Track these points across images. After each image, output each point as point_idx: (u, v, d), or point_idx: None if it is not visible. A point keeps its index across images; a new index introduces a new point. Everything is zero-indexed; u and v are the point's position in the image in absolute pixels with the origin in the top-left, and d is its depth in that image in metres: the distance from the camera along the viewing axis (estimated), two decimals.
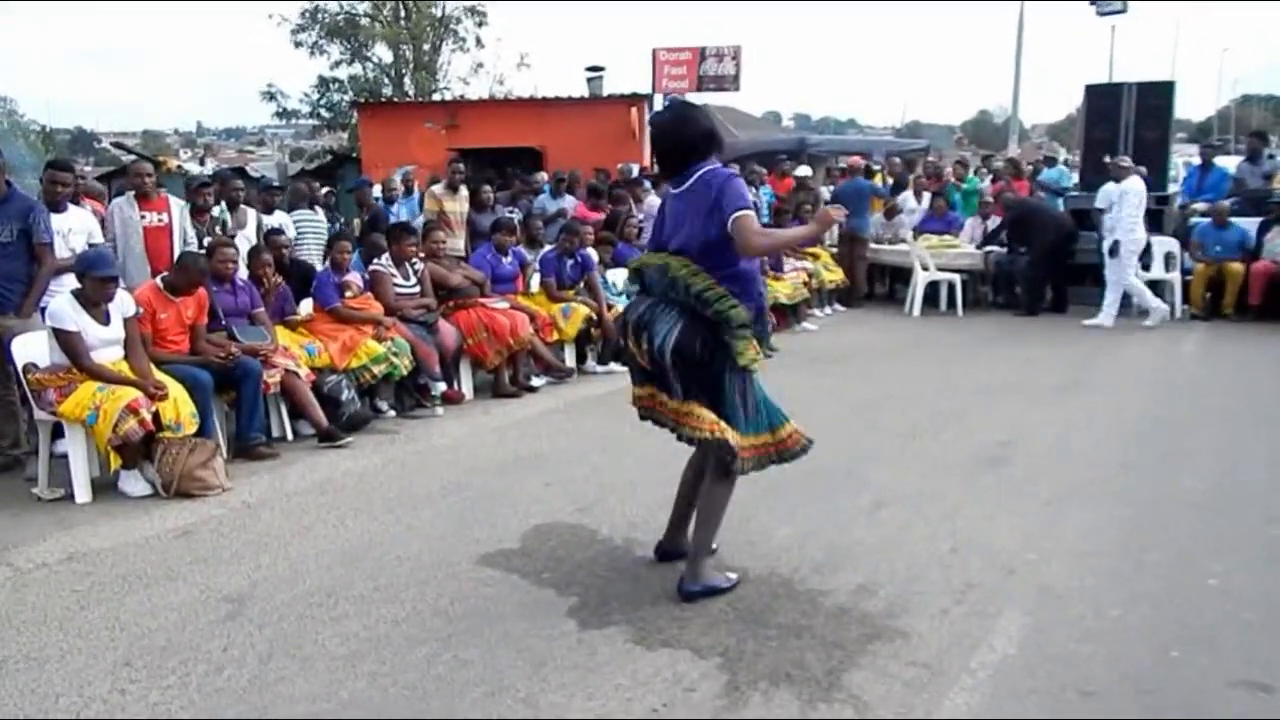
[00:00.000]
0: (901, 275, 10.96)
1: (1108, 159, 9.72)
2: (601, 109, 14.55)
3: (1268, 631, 3.01)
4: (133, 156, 12.89)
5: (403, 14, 22.46)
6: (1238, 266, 9.12)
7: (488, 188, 8.75)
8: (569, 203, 9.69)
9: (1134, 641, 2.95)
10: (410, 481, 4.71)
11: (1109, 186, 9.08)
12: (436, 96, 20.92)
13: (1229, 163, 11.86)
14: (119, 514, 4.29)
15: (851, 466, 4.72)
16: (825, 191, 12.12)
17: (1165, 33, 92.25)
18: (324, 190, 9.39)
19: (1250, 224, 9.38)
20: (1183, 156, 15.16)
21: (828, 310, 10.14)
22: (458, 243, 8.15)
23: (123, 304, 4.66)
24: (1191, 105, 76.96)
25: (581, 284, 7.35)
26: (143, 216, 5.76)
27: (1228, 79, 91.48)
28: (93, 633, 3.11)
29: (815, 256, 10.06)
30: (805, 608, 3.19)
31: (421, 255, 6.49)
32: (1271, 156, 11.55)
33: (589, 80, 16.14)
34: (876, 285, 11.37)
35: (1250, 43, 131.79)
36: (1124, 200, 8.87)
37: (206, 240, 5.97)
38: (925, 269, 10.08)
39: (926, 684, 2.72)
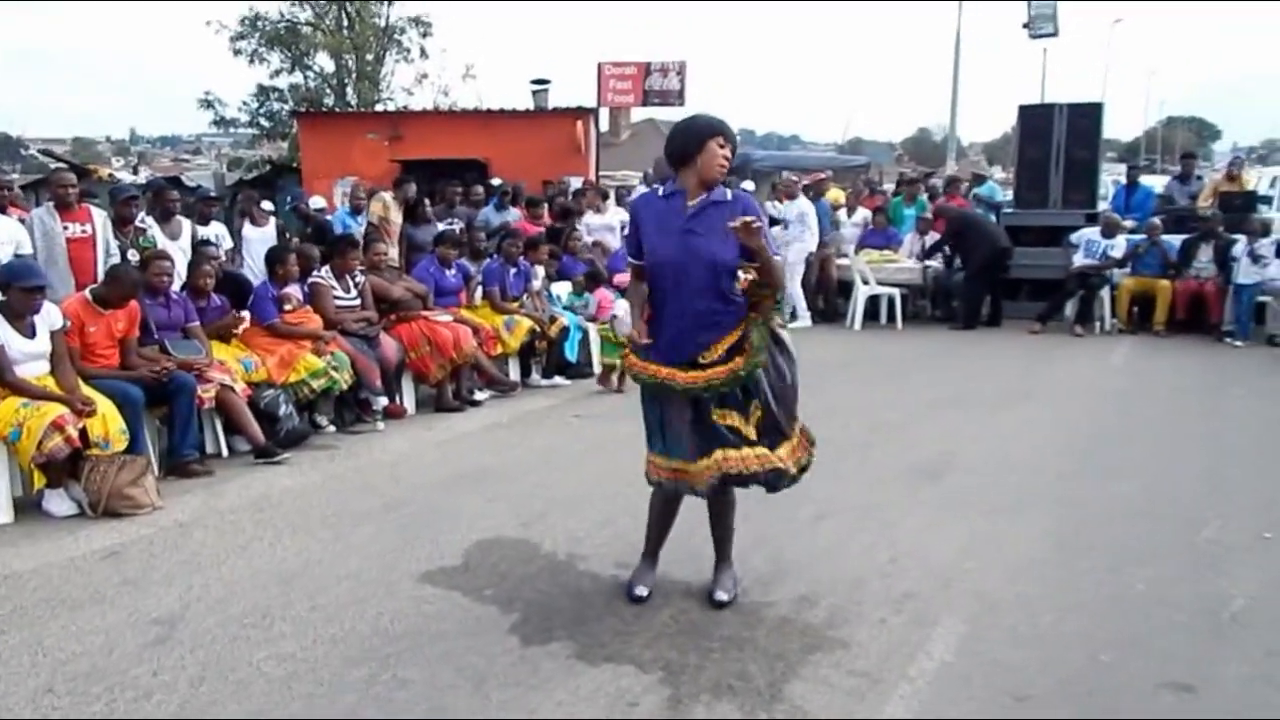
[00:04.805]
0: (842, 289, 11.12)
1: (781, 176, 11.40)
2: (547, 122, 14.53)
3: (1193, 634, 3.11)
4: (62, 164, 12.51)
5: (346, 23, 22.20)
6: (1166, 283, 9.44)
7: (427, 201, 8.66)
8: (513, 216, 9.65)
9: (1067, 647, 3.02)
10: (350, 498, 4.62)
11: (793, 203, 10.39)
12: (380, 107, 20.70)
13: (1156, 182, 12.32)
14: (43, 535, 4.14)
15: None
16: (771, 206, 12.25)
17: (1095, 55, 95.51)
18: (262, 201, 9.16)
19: (1177, 241, 9.72)
20: (1112, 175, 15.64)
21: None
22: (392, 252, 8.06)
23: (49, 317, 4.51)
24: (1120, 126, 79.73)
25: (525, 296, 7.33)
26: (65, 227, 5.59)
27: (1154, 101, 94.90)
28: (14, 658, 2.99)
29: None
30: (748, 619, 3.21)
31: (363, 267, 6.40)
32: (1199, 177, 12.02)
33: (534, 93, 16.10)
34: (818, 299, 11.50)
35: (1175, 67, 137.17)
36: (803, 219, 10.24)
37: (130, 252, 5.83)
38: (866, 283, 10.25)
39: (866, 693, 2.75)
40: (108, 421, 4.41)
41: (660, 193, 3.23)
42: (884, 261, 10.58)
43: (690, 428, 3.14)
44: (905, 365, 8.14)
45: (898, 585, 3.49)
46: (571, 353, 7.47)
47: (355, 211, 9.01)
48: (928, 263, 10.45)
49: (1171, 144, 49.14)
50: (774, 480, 3.21)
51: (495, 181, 11.14)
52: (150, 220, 6.42)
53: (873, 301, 10.32)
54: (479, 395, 6.71)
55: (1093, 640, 3.06)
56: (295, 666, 2.92)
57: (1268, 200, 12.63)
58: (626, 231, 3.37)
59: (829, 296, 10.73)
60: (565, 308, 7.71)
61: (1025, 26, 22.29)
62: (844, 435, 5.71)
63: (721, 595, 3.32)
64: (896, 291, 10.26)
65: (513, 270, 7.28)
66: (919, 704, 2.69)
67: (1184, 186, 11.31)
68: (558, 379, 7.35)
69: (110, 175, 16.28)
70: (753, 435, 3.16)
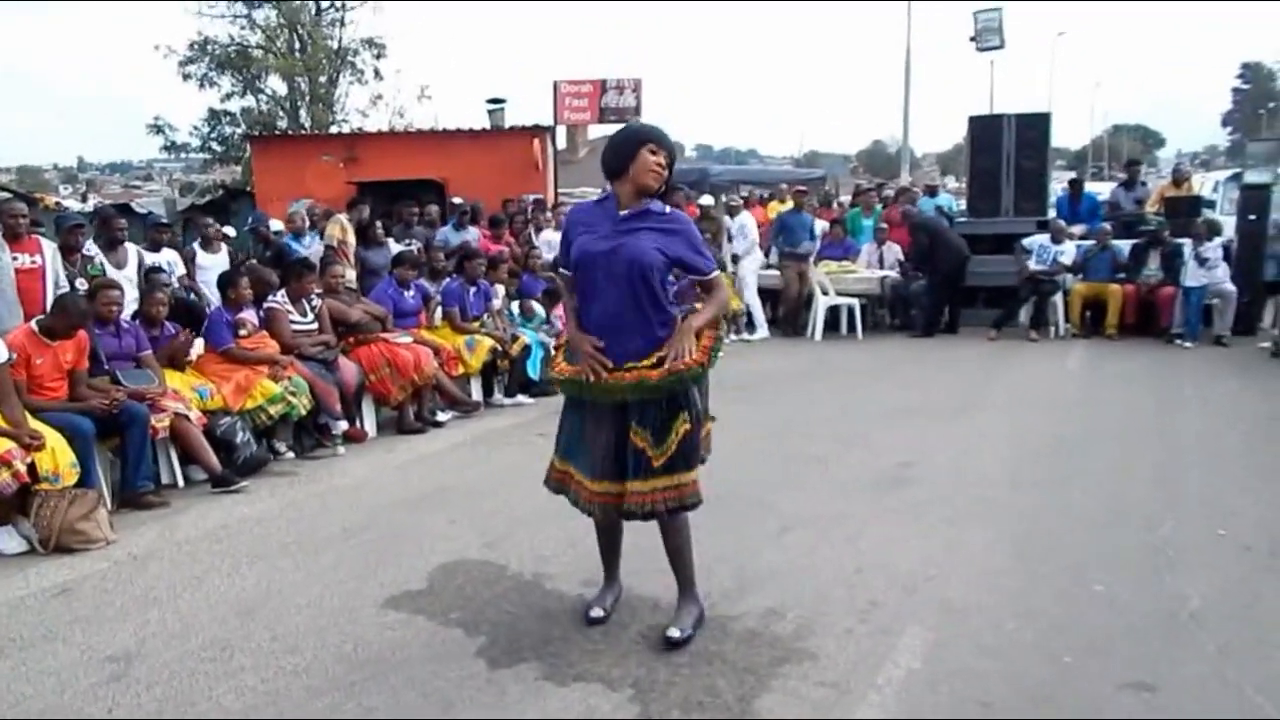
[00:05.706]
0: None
1: (725, 197, 12.04)
2: (503, 140, 14.52)
3: (1151, 635, 3.16)
4: (6, 194, 12.23)
5: (297, 45, 22.01)
6: (1116, 288, 9.65)
7: (379, 223, 8.60)
8: (472, 235, 9.61)
9: (1029, 652, 3.05)
10: (310, 525, 4.55)
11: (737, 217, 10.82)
12: (334, 129, 20.53)
13: (1101, 188, 12.57)
14: None
15: (759, 491, 4.78)
16: (728, 220, 12.35)
17: (1041, 66, 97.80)
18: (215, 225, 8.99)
19: (1126, 246, 9.94)
20: (1061, 183, 15.96)
21: (731, 337, 10.28)
22: (350, 274, 7.99)
23: None
24: (1068, 135, 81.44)
25: (485, 315, 7.29)
26: (14, 258, 5.46)
27: (1100, 111, 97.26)
28: None
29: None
30: (715, 634, 3.20)
31: (319, 290, 6.33)
32: (1144, 183, 12.31)
33: (490, 112, 16.08)
34: (779, 310, 11.58)
35: (1119, 77, 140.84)
36: (744, 232, 10.61)
37: (78, 281, 5.71)
38: (825, 294, 10.35)
39: (835, 703, 2.75)
40: (57, 455, 4.30)
41: (595, 200, 3.20)
42: (842, 272, 10.70)
43: (605, 448, 3.05)
44: (866, 374, 8.22)
45: (863, 595, 3.51)
46: (534, 371, 7.44)
47: (297, 235, 8.84)
48: (898, 274, 10.59)
49: (1118, 151, 50.39)
50: (661, 512, 3.04)
51: (456, 200, 11.09)
52: (96, 249, 6.29)
53: (833, 312, 10.42)
54: (441, 416, 6.66)
55: (1055, 644, 3.10)
56: (256, 699, 2.86)
57: (1211, 204, 12.98)
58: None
59: (797, 309, 10.80)
60: (520, 324, 7.69)
61: (972, 40, 22.76)
62: (807, 446, 5.75)
63: (673, 633, 3.11)
64: (856, 302, 10.37)
65: (473, 290, 7.24)
66: (887, 713, 2.70)
67: (1129, 192, 11.59)
68: (520, 398, 7.31)
69: (57, 204, 15.92)
70: (660, 461, 2.99)
